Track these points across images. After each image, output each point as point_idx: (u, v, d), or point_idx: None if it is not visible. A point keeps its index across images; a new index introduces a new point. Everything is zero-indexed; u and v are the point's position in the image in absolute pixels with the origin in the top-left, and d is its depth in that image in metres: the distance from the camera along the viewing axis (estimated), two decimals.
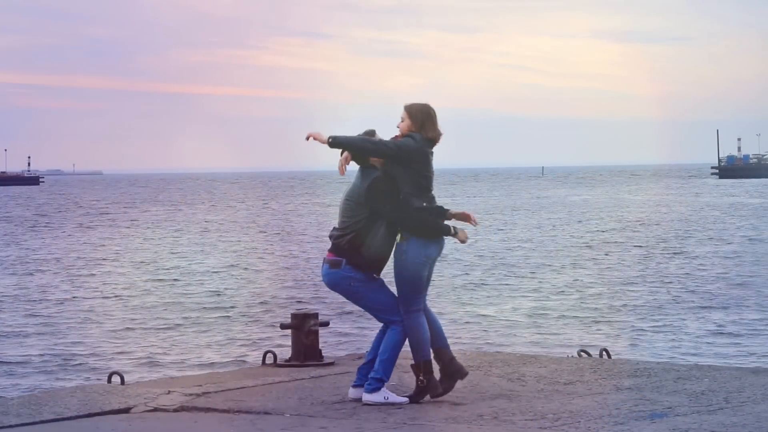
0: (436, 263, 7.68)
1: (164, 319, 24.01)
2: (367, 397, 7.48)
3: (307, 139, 7.50)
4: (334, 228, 7.69)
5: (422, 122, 7.55)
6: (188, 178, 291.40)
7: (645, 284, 29.12)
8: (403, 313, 7.52)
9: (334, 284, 7.63)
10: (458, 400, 7.56)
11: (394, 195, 7.46)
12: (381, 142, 7.50)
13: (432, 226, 7.48)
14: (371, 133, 7.60)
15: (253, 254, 40.88)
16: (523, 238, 46.88)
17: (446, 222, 7.57)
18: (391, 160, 7.46)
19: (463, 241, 7.60)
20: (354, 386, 7.65)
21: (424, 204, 7.46)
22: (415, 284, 7.48)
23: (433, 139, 7.57)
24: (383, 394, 7.48)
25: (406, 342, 7.61)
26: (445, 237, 7.58)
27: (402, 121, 7.60)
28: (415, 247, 7.45)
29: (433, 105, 7.67)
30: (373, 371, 7.52)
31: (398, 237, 7.50)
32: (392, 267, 7.57)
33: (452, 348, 7.82)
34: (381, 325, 7.71)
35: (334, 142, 7.46)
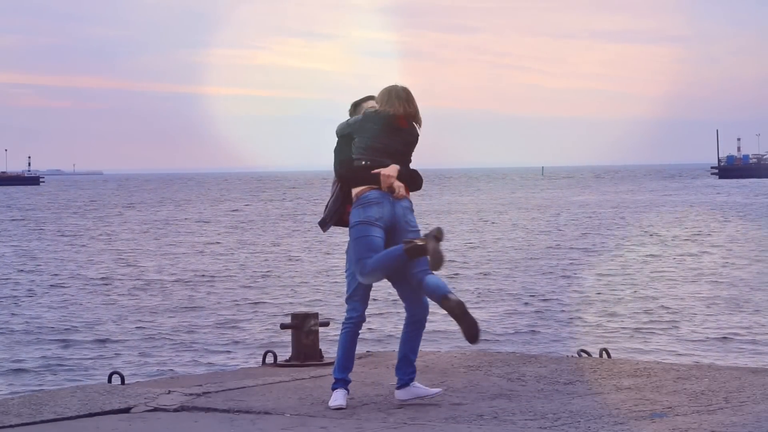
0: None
1: (164, 318, 24.01)
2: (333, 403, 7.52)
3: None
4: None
5: (382, 102, 7.67)
6: (188, 179, 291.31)
7: (645, 284, 29.12)
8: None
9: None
10: (458, 400, 7.57)
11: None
12: (342, 122, 7.77)
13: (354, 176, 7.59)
14: (365, 99, 7.87)
15: (253, 254, 40.88)
16: (523, 238, 46.88)
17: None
18: (347, 137, 7.71)
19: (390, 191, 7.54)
20: (397, 388, 7.62)
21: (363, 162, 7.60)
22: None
23: (387, 113, 7.61)
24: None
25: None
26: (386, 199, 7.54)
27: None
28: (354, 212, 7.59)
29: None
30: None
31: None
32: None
33: (452, 348, 7.82)
34: (403, 322, 7.74)
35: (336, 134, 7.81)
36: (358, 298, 7.62)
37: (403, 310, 7.76)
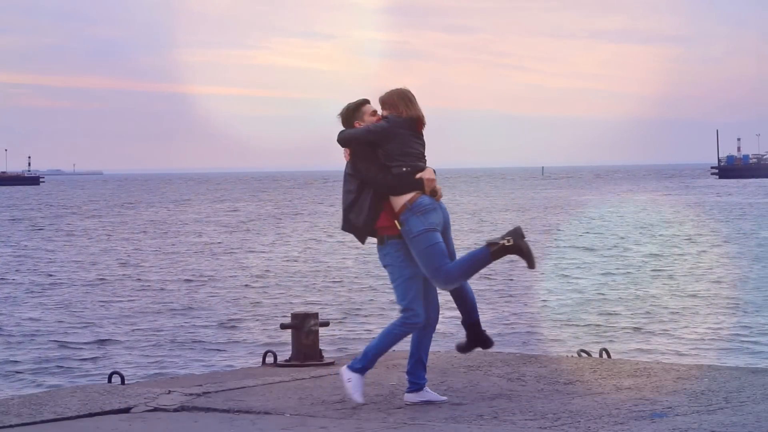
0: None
1: (164, 318, 24.01)
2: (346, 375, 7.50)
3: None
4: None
5: (396, 105, 7.59)
6: (188, 179, 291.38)
7: (645, 284, 29.11)
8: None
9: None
10: (458, 400, 7.57)
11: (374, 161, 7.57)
12: (357, 129, 7.59)
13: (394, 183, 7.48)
14: (362, 103, 7.70)
15: (253, 254, 40.88)
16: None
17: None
18: (365, 145, 7.52)
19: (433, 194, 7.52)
20: (409, 391, 7.58)
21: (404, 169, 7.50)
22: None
23: (412, 117, 7.56)
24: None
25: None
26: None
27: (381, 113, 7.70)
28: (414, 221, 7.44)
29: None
30: (357, 360, 7.53)
31: (397, 225, 7.48)
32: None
33: (452, 348, 7.83)
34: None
35: (339, 141, 7.61)
36: (419, 302, 7.52)
37: (397, 309, 7.74)
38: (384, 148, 7.51)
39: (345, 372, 7.50)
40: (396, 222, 7.49)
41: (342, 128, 7.68)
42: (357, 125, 7.63)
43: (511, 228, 7.57)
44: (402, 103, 7.58)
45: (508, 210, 75.22)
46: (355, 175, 7.56)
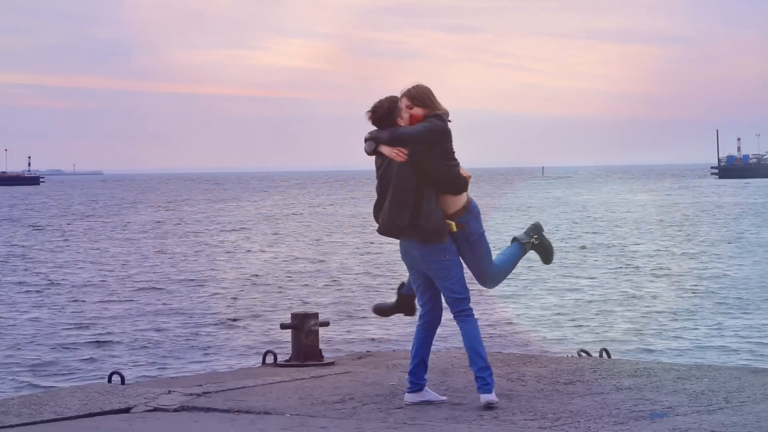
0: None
1: (165, 318, 24.01)
2: (489, 398, 7.31)
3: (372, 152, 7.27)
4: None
5: (431, 101, 7.39)
6: (188, 179, 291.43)
7: (645, 284, 29.12)
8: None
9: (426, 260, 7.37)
10: (458, 400, 7.57)
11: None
12: (414, 128, 7.27)
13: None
14: (395, 99, 7.39)
15: (253, 254, 40.88)
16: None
17: None
18: (423, 144, 7.24)
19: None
20: (410, 392, 7.56)
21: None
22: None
23: (447, 114, 7.44)
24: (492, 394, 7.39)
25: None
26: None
27: (410, 108, 7.35)
28: (475, 221, 7.41)
29: None
30: (476, 369, 7.35)
31: (453, 226, 7.35)
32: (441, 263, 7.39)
33: (452, 348, 7.83)
34: (414, 325, 7.67)
35: (394, 141, 7.24)
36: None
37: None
38: (443, 146, 7.29)
39: (490, 397, 7.32)
40: (451, 223, 7.33)
41: (373, 127, 7.30)
42: (399, 123, 7.33)
43: (530, 225, 7.76)
44: (435, 99, 7.40)
45: (507, 210, 75.21)
46: (409, 175, 7.24)
